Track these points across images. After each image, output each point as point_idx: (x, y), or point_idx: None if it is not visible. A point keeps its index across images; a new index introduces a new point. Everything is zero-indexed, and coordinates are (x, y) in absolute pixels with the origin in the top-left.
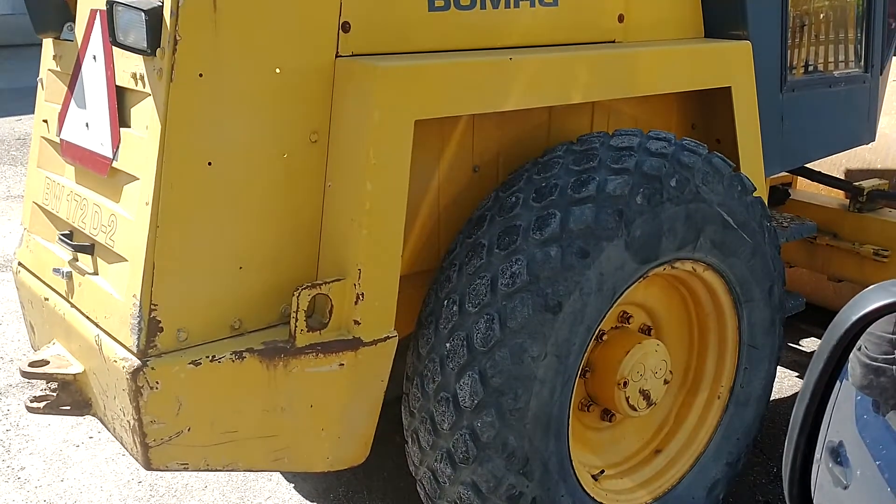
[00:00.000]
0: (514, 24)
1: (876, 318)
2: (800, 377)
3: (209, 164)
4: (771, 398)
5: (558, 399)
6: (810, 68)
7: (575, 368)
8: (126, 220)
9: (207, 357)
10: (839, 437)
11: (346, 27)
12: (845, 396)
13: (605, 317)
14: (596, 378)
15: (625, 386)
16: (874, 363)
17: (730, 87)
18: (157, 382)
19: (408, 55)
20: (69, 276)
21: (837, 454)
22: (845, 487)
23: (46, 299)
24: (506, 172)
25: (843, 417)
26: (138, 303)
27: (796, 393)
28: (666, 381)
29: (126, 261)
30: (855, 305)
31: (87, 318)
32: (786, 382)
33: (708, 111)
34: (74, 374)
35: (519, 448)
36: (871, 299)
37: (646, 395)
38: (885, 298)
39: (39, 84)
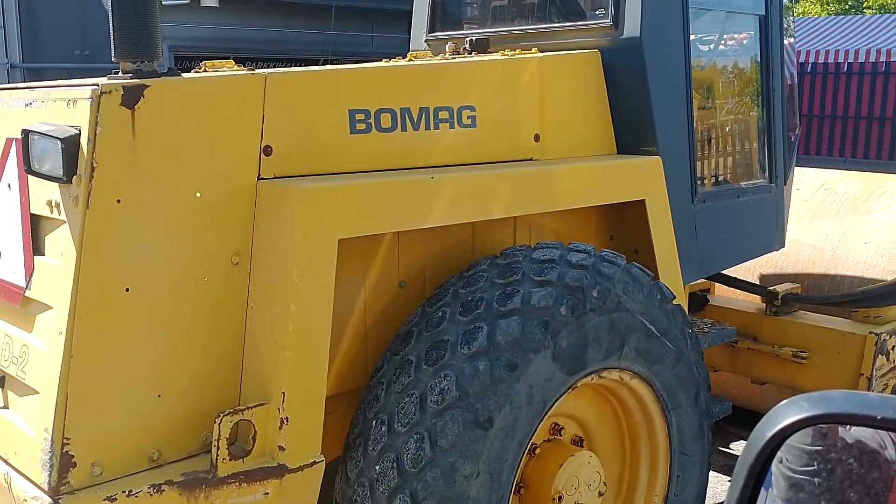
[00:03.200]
0: (434, 144)
1: (789, 434)
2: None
3: (126, 290)
4: None
5: None
6: (719, 180)
7: (509, 485)
8: (39, 351)
9: (124, 492)
10: None
11: (267, 150)
12: None
13: (536, 430)
14: (530, 494)
15: (560, 500)
16: (795, 475)
17: (644, 200)
18: None
19: (330, 176)
20: None
21: None
22: None
23: None
24: (432, 287)
25: None
26: (50, 437)
27: None
28: (601, 494)
29: (38, 393)
30: (768, 422)
31: None
32: (719, 488)
33: (625, 222)
34: None
35: None
36: (783, 415)
37: None
38: (797, 414)
39: None
